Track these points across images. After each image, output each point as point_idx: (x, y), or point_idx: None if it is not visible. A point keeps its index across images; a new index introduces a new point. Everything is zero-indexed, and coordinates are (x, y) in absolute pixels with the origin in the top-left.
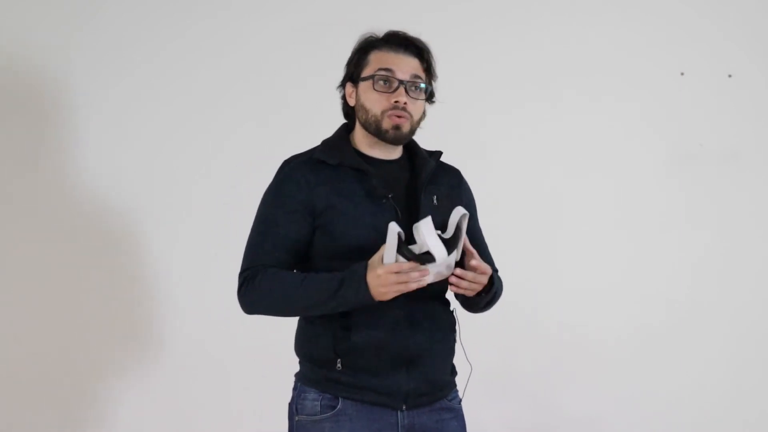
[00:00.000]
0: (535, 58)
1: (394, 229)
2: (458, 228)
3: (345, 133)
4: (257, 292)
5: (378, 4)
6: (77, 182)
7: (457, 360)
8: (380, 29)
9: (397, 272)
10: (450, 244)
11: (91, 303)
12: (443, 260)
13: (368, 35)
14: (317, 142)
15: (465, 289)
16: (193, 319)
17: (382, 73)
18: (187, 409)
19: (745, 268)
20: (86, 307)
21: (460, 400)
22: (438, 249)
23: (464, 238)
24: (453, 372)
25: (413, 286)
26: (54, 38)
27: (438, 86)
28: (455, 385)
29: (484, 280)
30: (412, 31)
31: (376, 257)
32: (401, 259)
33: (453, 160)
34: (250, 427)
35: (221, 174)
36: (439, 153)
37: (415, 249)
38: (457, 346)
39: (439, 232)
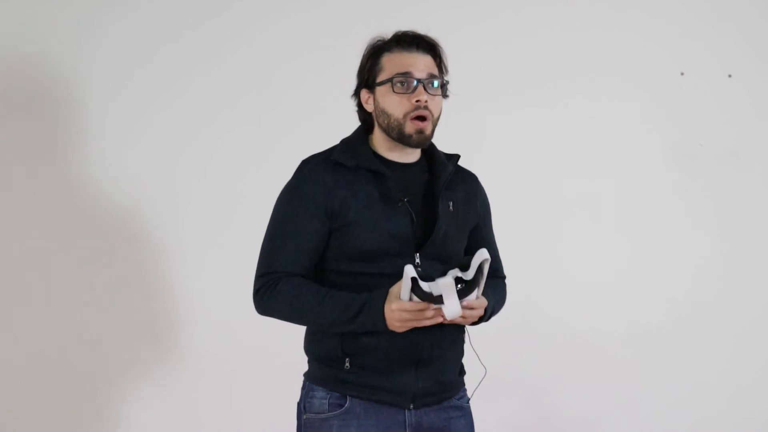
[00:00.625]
0: (535, 59)
1: (408, 272)
2: (479, 271)
3: (363, 134)
4: (277, 300)
5: (377, 6)
6: (79, 183)
7: (471, 363)
8: (384, 31)
9: (409, 310)
10: (470, 286)
11: (95, 303)
12: (456, 313)
13: (376, 39)
14: (317, 142)
15: (458, 322)
16: (198, 320)
17: (400, 74)
18: (193, 409)
19: (745, 267)
20: (90, 308)
21: (468, 399)
22: (452, 309)
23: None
24: (462, 372)
25: (427, 323)
26: (56, 39)
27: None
28: (464, 384)
29: (479, 313)
30: (434, 36)
31: (395, 288)
32: (415, 298)
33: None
34: (257, 427)
35: (223, 173)
36: (457, 156)
37: (433, 287)
38: (469, 349)
39: (458, 272)
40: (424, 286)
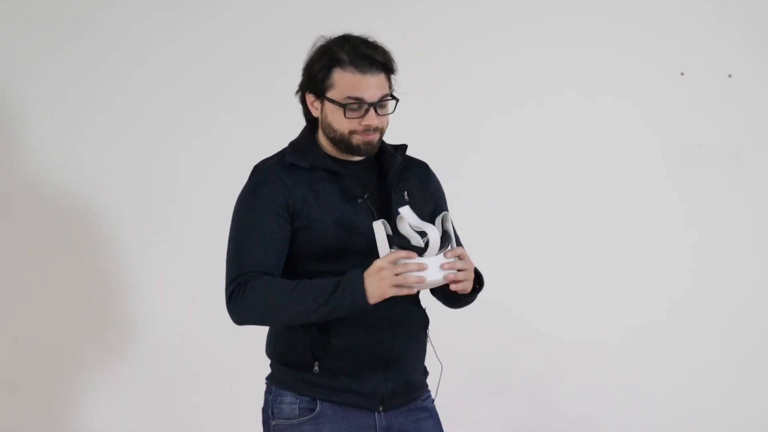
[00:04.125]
0: (535, 59)
1: (378, 224)
2: (445, 229)
3: (311, 134)
4: (248, 301)
5: (377, 6)
6: (77, 183)
7: (453, 366)
8: (334, 32)
9: (394, 262)
10: (443, 241)
11: (88, 305)
12: (436, 244)
13: (326, 41)
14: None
15: (463, 280)
16: (189, 320)
17: (352, 101)
18: (181, 412)
19: (745, 267)
20: (82, 308)
21: (433, 400)
22: (429, 229)
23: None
24: (425, 372)
25: (412, 280)
26: (56, 39)
27: (439, 84)
28: (428, 386)
29: (471, 265)
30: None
31: (376, 262)
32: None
33: (452, 159)
34: (250, 428)
35: (219, 175)
36: (405, 147)
37: (408, 233)
38: (456, 351)
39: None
40: (403, 226)
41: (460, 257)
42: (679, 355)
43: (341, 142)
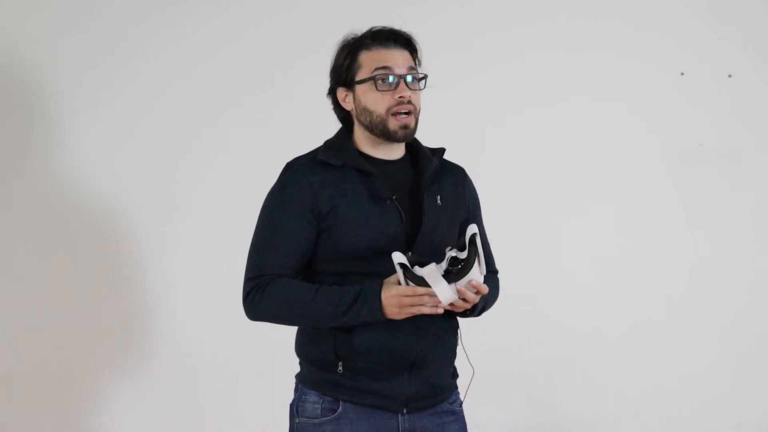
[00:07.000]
0: (534, 60)
1: (396, 258)
2: (473, 246)
3: (347, 133)
4: (267, 302)
5: (379, 5)
6: (78, 184)
7: (459, 362)
8: (358, 28)
9: (410, 295)
10: (466, 264)
11: (92, 305)
12: (450, 297)
13: (350, 36)
14: (319, 143)
15: (454, 307)
16: (195, 321)
17: (381, 71)
18: (188, 411)
19: (744, 267)
20: (87, 309)
21: (461, 403)
22: (444, 293)
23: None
24: (454, 375)
25: (426, 311)
26: (56, 40)
27: (437, 78)
28: (456, 388)
29: (476, 299)
30: (410, 32)
31: (393, 278)
32: (411, 284)
33: (452, 160)
34: (252, 429)
35: (222, 176)
36: (443, 150)
37: (423, 273)
38: (459, 349)
39: (455, 253)
40: (417, 270)
41: (477, 291)
42: (680, 354)
43: (379, 125)
